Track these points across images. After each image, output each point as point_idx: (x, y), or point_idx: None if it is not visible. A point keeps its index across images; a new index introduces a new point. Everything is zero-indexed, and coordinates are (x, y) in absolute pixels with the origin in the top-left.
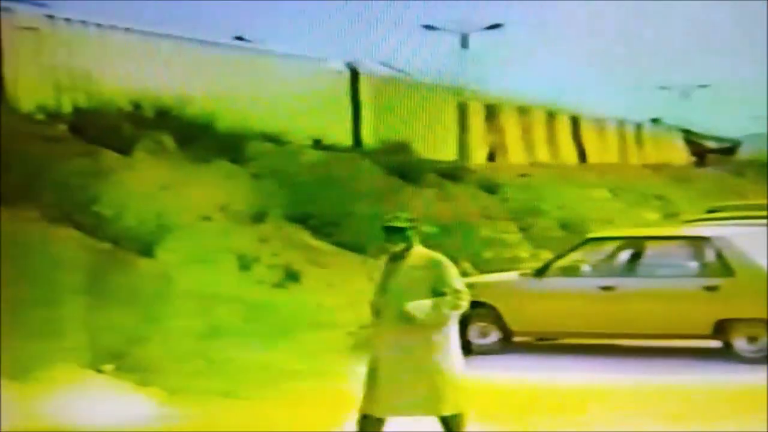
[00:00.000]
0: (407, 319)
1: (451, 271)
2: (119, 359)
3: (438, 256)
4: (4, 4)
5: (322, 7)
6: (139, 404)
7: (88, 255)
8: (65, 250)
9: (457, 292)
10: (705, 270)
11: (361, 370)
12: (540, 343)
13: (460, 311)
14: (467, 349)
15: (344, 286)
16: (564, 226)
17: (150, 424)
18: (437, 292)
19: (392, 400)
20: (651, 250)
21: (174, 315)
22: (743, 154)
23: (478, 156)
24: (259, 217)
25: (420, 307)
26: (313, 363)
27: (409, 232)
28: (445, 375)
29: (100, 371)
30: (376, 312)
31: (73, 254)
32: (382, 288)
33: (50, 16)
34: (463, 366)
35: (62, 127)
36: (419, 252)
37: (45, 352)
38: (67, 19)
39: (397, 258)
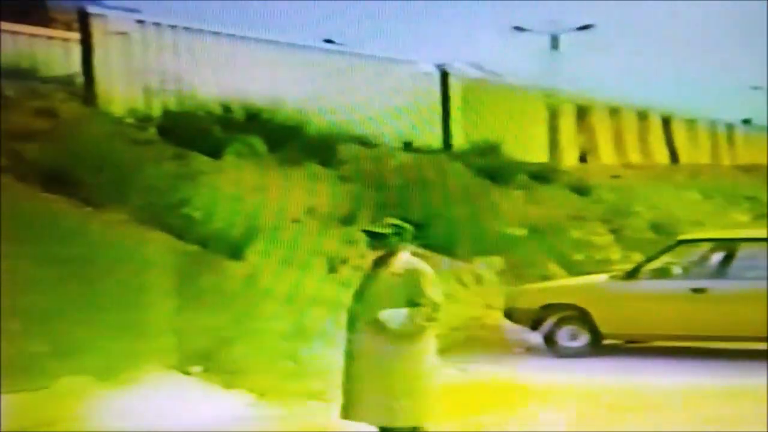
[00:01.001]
0: (380, 327)
1: (430, 280)
2: (207, 361)
3: (418, 264)
4: (95, 9)
5: (413, 9)
6: (226, 406)
7: (177, 257)
8: (154, 253)
9: (434, 303)
10: None
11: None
12: (630, 345)
13: (435, 323)
14: (556, 351)
15: None
16: (655, 227)
17: (238, 426)
18: (413, 302)
19: (358, 408)
20: (743, 251)
21: (262, 317)
22: None
23: (569, 157)
24: (348, 220)
25: (394, 316)
26: None
27: (392, 239)
28: (410, 386)
29: (187, 373)
30: (351, 318)
31: (162, 256)
32: (359, 294)
33: (140, 21)
34: (435, 379)
35: (152, 131)
36: (402, 259)
37: (133, 354)
38: (157, 24)
39: (379, 264)
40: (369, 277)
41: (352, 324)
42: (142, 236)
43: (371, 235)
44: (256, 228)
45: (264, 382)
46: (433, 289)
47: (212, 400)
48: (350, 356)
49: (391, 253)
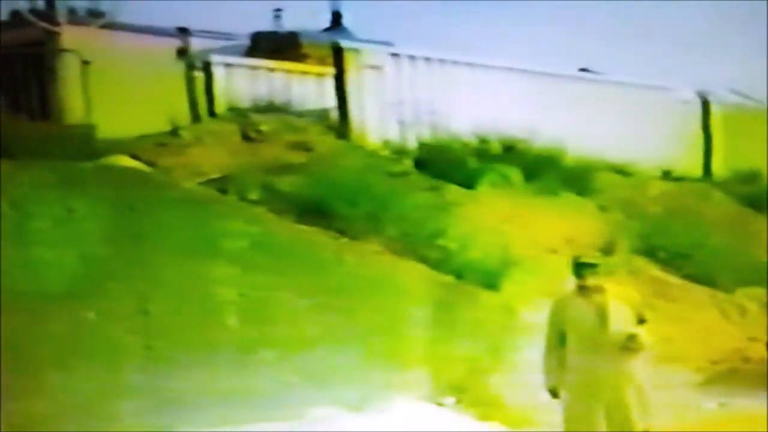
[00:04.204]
0: (629, 347)
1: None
2: (461, 392)
3: (633, 291)
4: (349, 44)
5: (668, 36)
6: None
7: (432, 288)
8: (409, 283)
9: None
10: None
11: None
12: None
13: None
14: None
15: (693, 320)
16: None
17: None
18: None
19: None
20: None
21: (518, 348)
22: None
23: None
24: (606, 250)
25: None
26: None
27: (599, 268)
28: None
29: (440, 404)
30: (593, 341)
31: (417, 287)
32: (601, 318)
33: (394, 54)
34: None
35: (407, 162)
36: (613, 287)
37: (387, 384)
38: (411, 56)
39: (587, 292)
40: (597, 304)
41: (596, 348)
42: (398, 267)
43: (581, 265)
44: (513, 259)
45: (519, 414)
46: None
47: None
48: (582, 375)
49: (597, 282)
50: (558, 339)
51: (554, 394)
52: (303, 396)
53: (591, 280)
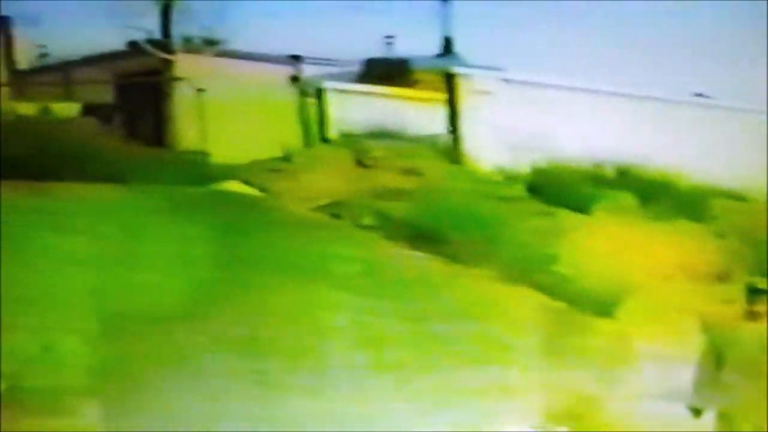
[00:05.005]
0: None
1: None
2: (573, 420)
3: None
4: (461, 70)
5: None
6: None
7: (544, 314)
8: (521, 309)
9: None
10: None
11: None
12: None
13: None
14: None
15: None
16: None
17: None
18: None
19: None
20: None
21: (631, 377)
22: None
23: None
24: (723, 278)
25: None
26: None
27: None
28: None
29: None
30: (757, 366)
31: (529, 313)
32: None
33: (506, 80)
34: None
35: (519, 188)
36: None
37: (496, 412)
38: (523, 82)
39: (756, 317)
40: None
41: (759, 373)
42: (510, 293)
43: (755, 291)
44: (627, 286)
45: None
46: None
47: None
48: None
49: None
50: (715, 362)
51: (697, 413)
52: (413, 422)
53: (761, 306)
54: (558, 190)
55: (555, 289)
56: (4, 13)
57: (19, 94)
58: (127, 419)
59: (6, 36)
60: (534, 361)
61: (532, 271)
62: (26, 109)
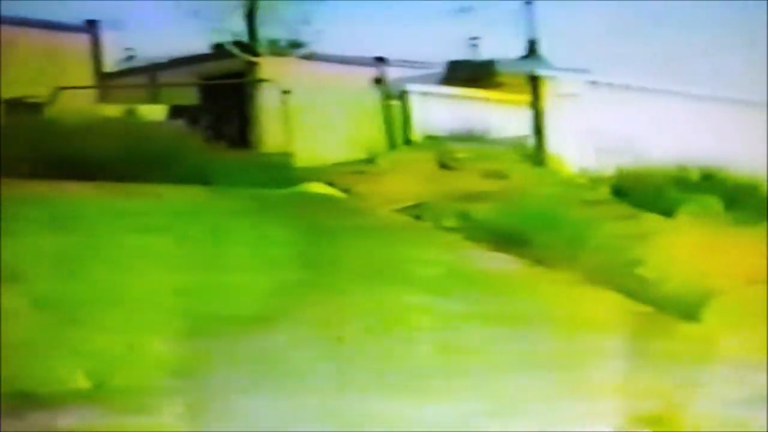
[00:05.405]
0: None
1: None
2: (656, 425)
3: None
4: (545, 72)
5: None
6: None
7: (628, 318)
8: (604, 313)
9: None
10: None
11: None
12: None
13: None
14: None
15: None
16: None
17: None
18: None
19: None
20: None
21: (714, 381)
22: None
23: None
24: None
25: None
26: None
27: None
28: None
29: None
30: None
31: (612, 317)
32: None
33: (592, 82)
34: None
35: (604, 191)
36: None
37: (576, 415)
38: (609, 84)
39: None
40: None
41: None
42: (593, 296)
43: None
44: (712, 289)
45: None
46: None
47: None
48: None
49: None
50: None
51: None
52: (496, 424)
53: None
54: (643, 193)
55: (639, 292)
56: (91, 16)
57: (106, 96)
58: (210, 419)
59: (94, 39)
60: (617, 364)
61: (616, 275)
62: (113, 111)
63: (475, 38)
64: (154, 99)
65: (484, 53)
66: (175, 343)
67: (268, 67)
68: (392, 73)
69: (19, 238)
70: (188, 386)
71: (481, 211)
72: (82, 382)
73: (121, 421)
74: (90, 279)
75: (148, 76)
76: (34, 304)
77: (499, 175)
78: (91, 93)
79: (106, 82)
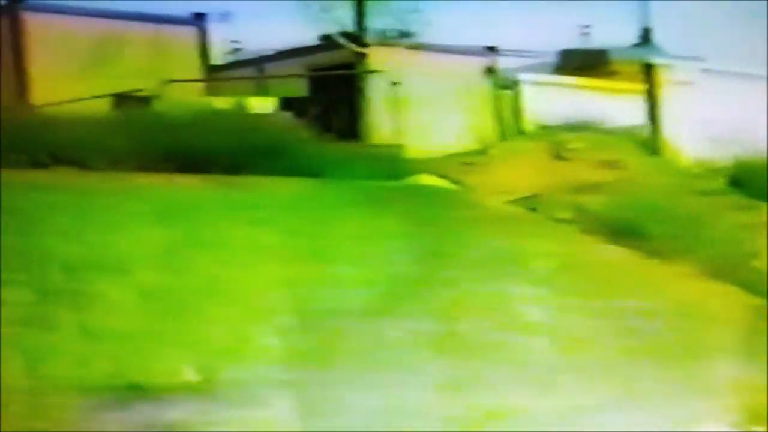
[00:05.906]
0: None
1: None
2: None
3: None
4: (660, 60)
5: None
6: None
7: (745, 311)
8: (721, 306)
9: None
10: None
11: None
12: None
13: None
14: None
15: None
16: None
17: None
18: None
19: None
20: None
21: None
22: None
23: None
24: None
25: None
26: None
27: None
28: None
29: None
30: None
31: (729, 310)
32: None
33: (706, 70)
34: None
35: (721, 181)
36: None
37: (694, 410)
38: (724, 72)
39: None
40: None
41: None
42: (710, 289)
43: None
44: None
45: None
46: None
47: None
48: None
49: None
50: None
51: None
52: (610, 419)
53: None
54: (760, 183)
55: (756, 285)
56: (199, 10)
57: (214, 89)
58: (320, 413)
59: (201, 32)
60: (734, 358)
61: (733, 267)
62: (221, 103)
63: (587, 26)
64: (262, 91)
65: (596, 41)
66: (285, 335)
67: (376, 57)
68: (503, 63)
69: (127, 230)
70: (298, 379)
71: (595, 202)
72: (190, 375)
73: (230, 415)
74: (198, 272)
75: (256, 68)
76: (142, 296)
77: (613, 165)
78: (199, 86)
79: (214, 75)
